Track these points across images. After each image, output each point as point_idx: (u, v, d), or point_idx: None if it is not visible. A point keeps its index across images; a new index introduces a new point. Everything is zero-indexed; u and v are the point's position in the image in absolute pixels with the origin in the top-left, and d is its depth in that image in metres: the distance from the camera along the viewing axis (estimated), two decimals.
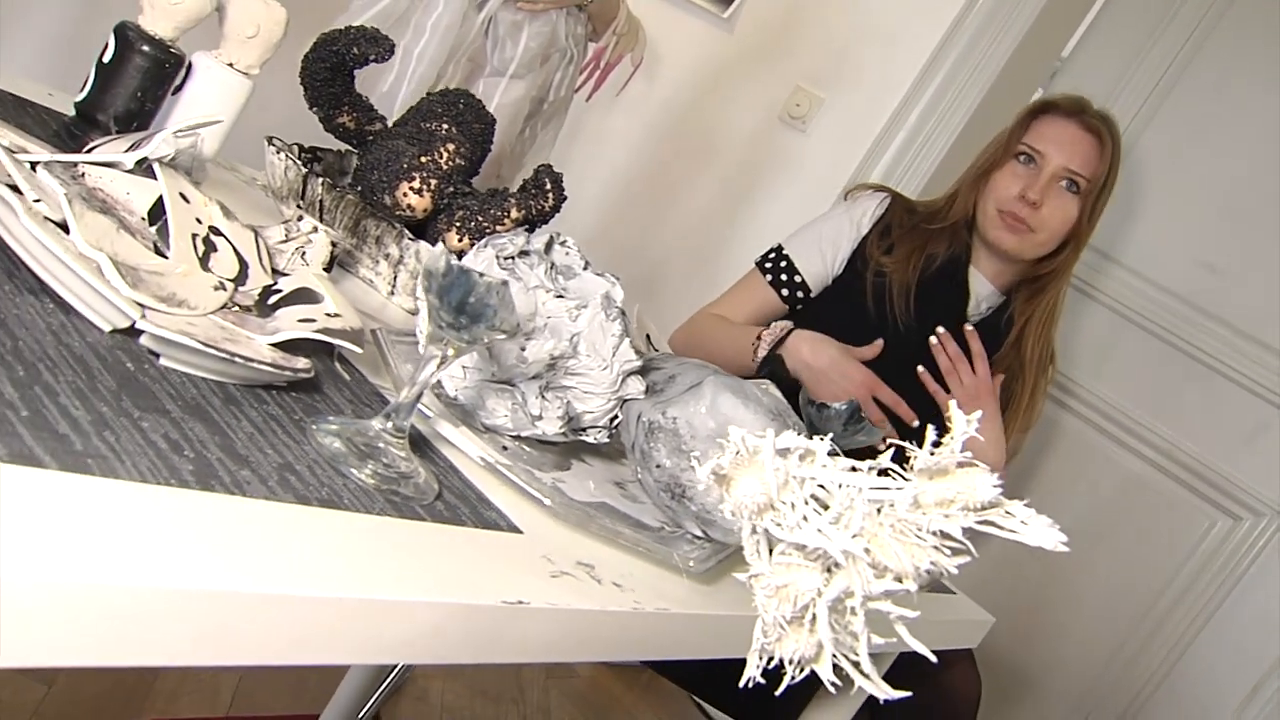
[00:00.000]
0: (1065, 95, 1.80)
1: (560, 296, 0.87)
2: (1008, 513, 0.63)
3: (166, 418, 0.62)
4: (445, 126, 1.26)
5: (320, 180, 1.07)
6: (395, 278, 1.10)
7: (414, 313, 1.08)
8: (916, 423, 1.62)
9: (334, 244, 1.00)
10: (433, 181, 0.99)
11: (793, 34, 2.75)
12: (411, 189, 0.99)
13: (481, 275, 0.67)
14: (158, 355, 0.69)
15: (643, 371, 0.92)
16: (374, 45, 1.11)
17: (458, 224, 1.02)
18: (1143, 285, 2.55)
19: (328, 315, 0.82)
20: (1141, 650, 2.45)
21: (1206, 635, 2.41)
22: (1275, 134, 2.44)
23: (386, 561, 0.62)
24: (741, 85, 2.79)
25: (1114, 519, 2.51)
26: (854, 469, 0.62)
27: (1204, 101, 2.53)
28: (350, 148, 1.24)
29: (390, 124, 1.30)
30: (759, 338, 1.69)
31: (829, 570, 0.61)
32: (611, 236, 2.91)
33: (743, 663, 0.98)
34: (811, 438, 1.13)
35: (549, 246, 0.92)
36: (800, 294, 1.83)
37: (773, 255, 1.86)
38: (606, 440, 0.93)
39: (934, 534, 0.60)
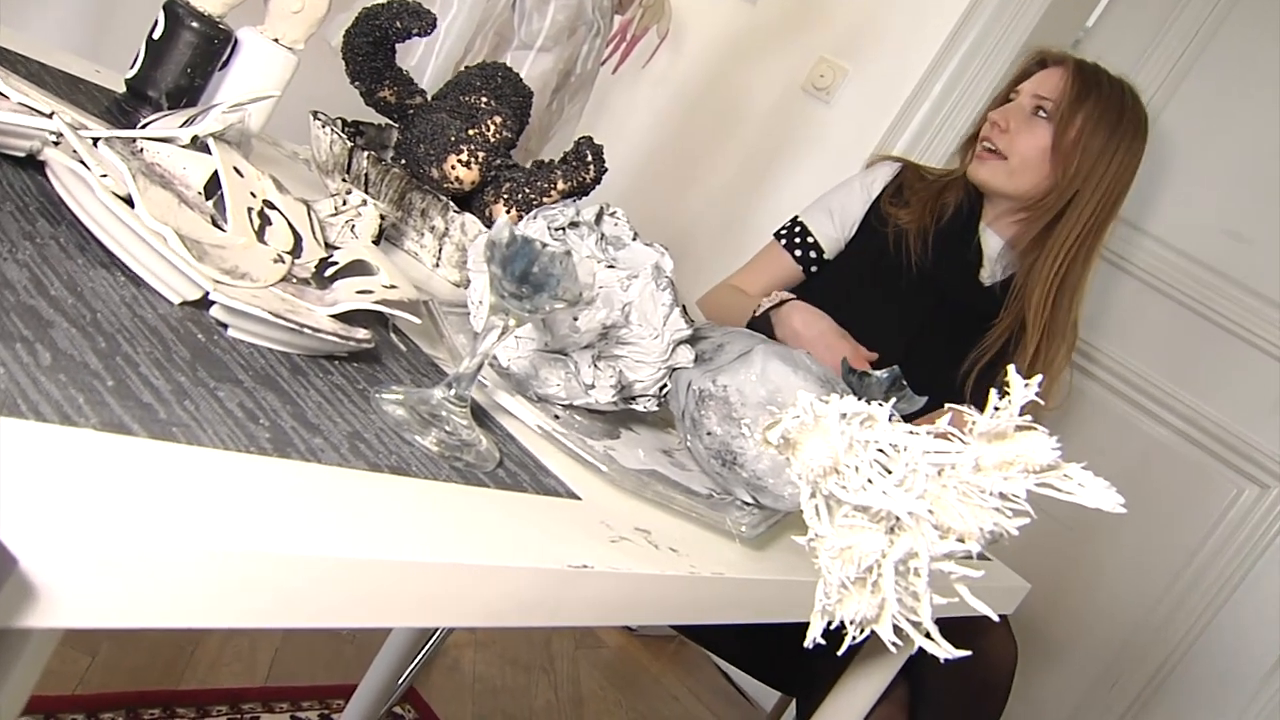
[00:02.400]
0: (1053, 49, 1.84)
1: (611, 267, 0.88)
2: (1066, 475, 0.64)
3: (240, 387, 0.64)
4: (485, 100, 1.27)
5: (366, 154, 1.08)
6: (440, 250, 1.11)
7: (459, 285, 1.10)
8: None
9: (383, 216, 1.01)
10: (480, 154, 1.00)
11: (816, 5, 2.74)
12: (460, 161, 1.00)
13: (545, 245, 0.68)
14: (225, 326, 0.70)
15: (691, 341, 0.93)
16: (416, 19, 1.12)
17: (505, 196, 1.03)
18: (1168, 254, 2.55)
19: (384, 287, 0.83)
20: (1169, 618, 2.46)
21: (1234, 603, 2.42)
22: None
23: (456, 527, 0.63)
24: (765, 57, 2.78)
25: (1140, 487, 2.52)
26: (912, 433, 0.63)
27: (1230, 69, 2.52)
28: (391, 122, 1.25)
29: (434, 95, 1.31)
30: (759, 305, 1.72)
31: (892, 532, 0.63)
32: (636, 208, 2.90)
33: (776, 630, 1.00)
34: None
35: (599, 217, 0.93)
36: (814, 255, 1.87)
37: (789, 225, 1.91)
38: (655, 409, 0.94)
39: (995, 495, 0.61)
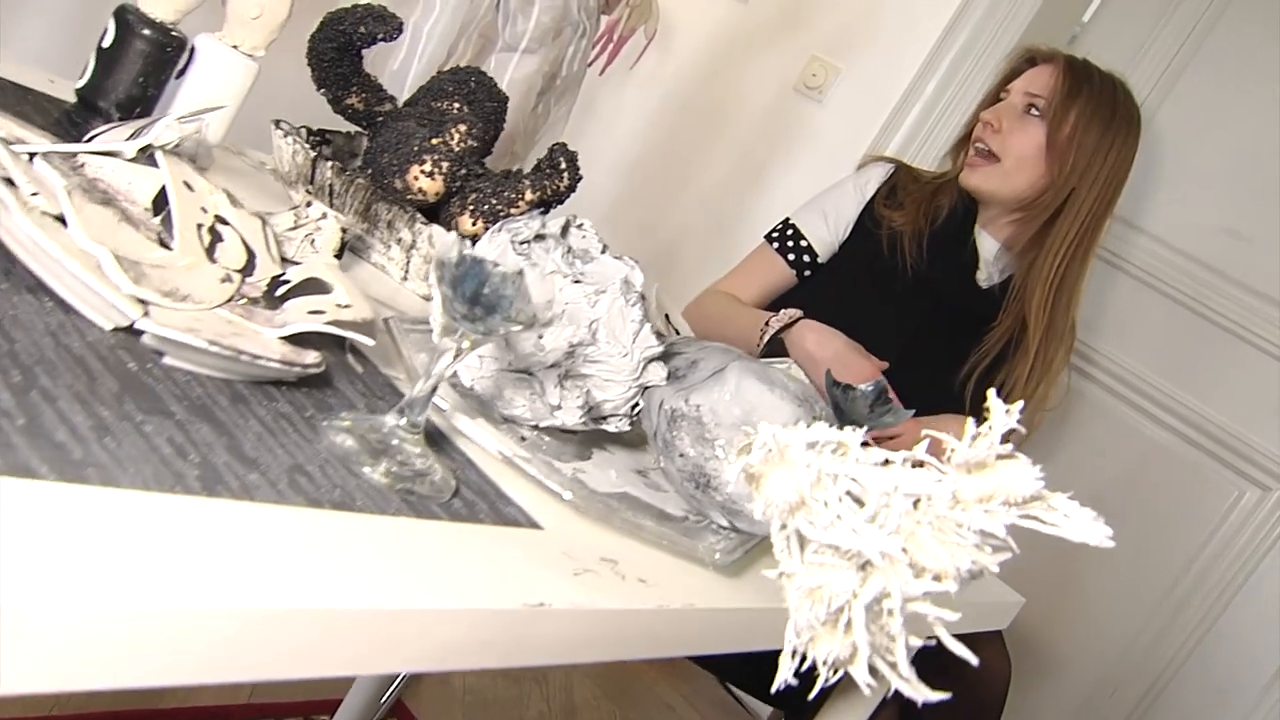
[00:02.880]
0: (1043, 46, 1.81)
1: (578, 282, 0.84)
2: (1050, 507, 0.60)
3: (171, 420, 0.60)
4: (457, 106, 1.23)
5: (329, 164, 1.05)
6: (408, 263, 1.07)
7: (428, 299, 1.06)
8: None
9: (344, 230, 0.97)
10: (444, 164, 0.96)
11: (808, 3, 2.71)
12: (423, 172, 0.96)
13: (496, 265, 0.64)
14: (162, 354, 0.66)
15: (664, 357, 0.90)
16: (382, 24, 1.08)
17: (471, 207, 0.99)
18: (1166, 252, 2.51)
19: (338, 306, 0.79)
20: (1168, 624, 2.42)
21: (1234, 608, 2.38)
22: None
23: (403, 567, 0.59)
24: (756, 56, 2.74)
25: (1138, 490, 2.48)
26: (888, 462, 0.59)
27: (1227, 65, 2.48)
28: (360, 129, 1.21)
29: (400, 104, 1.27)
30: (767, 323, 1.68)
31: (864, 569, 0.59)
32: (626, 211, 2.88)
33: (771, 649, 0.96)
34: (839, 422, 1.11)
35: (565, 230, 0.89)
36: (808, 259, 1.83)
37: (780, 227, 1.87)
38: (628, 428, 0.91)
39: (975, 531, 0.58)
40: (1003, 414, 0.58)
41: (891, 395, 1.08)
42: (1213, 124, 2.47)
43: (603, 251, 0.89)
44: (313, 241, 0.95)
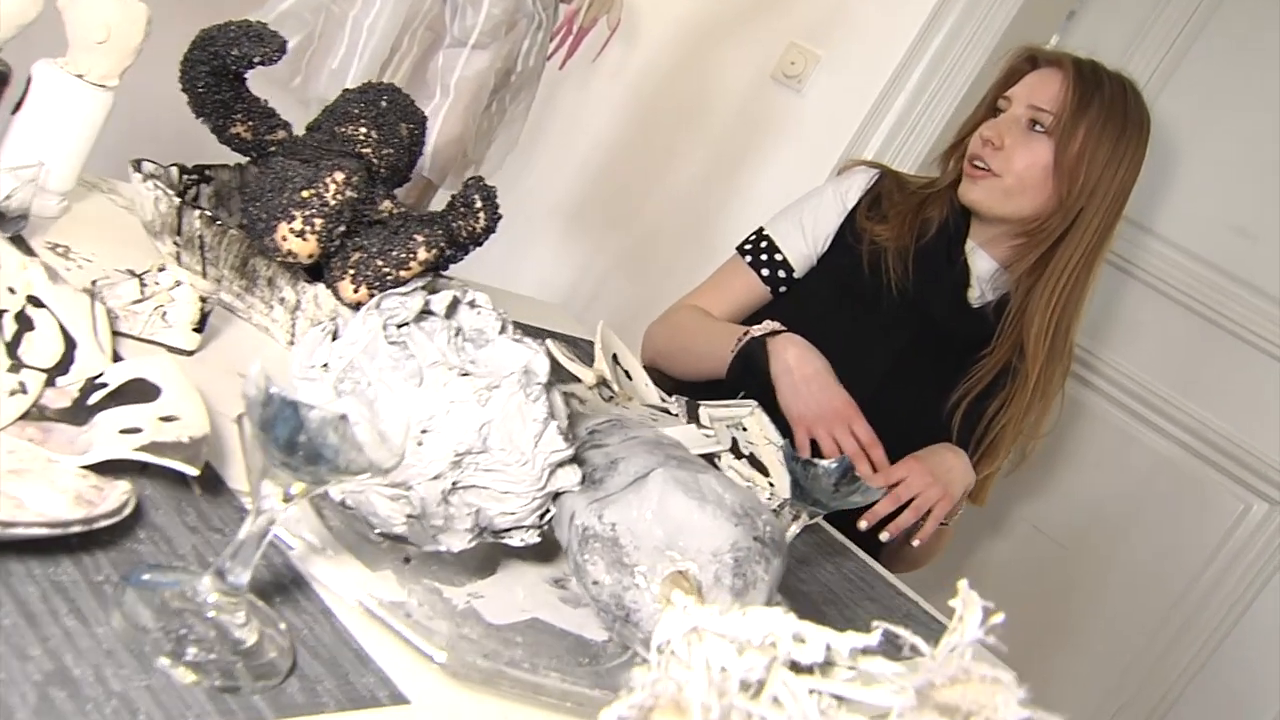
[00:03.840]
0: (1045, 48, 1.64)
1: (466, 374, 0.69)
2: None
3: None
4: (364, 130, 1.07)
5: (197, 212, 0.89)
6: (294, 325, 0.92)
7: None
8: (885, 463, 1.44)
9: (204, 299, 0.82)
10: (317, 222, 0.80)
11: None
12: (291, 231, 0.81)
13: (313, 408, 0.49)
14: None
15: (579, 458, 0.75)
16: (259, 44, 0.92)
17: (352, 270, 0.83)
18: (1169, 252, 2.35)
19: (161, 420, 0.64)
20: (1173, 643, 2.28)
21: (1242, 627, 2.24)
22: None
23: None
24: (731, 44, 2.58)
25: (1142, 504, 2.34)
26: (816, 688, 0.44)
27: (1228, 52, 2.31)
28: (253, 161, 1.06)
29: (308, 126, 1.12)
30: (747, 332, 1.52)
31: None
32: (596, 209, 2.73)
33: None
34: (799, 500, 0.96)
35: (453, 308, 0.73)
36: (783, 274, 1.67)
37: (753, 238, 1.71)
38: (537, 540, 0.76)
39: None
40: (975, 620, 0.43)
41: (859, 474, 0.93)
42: (1215, 116, 2.31)
43: (501, 331, 0.74)
44: (164, 315, 0.80)
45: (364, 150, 1.07)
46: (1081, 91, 1.52)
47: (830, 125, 2.45)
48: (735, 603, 0.69)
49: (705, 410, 1.23)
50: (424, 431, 0.68)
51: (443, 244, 0.84)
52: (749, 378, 1.48)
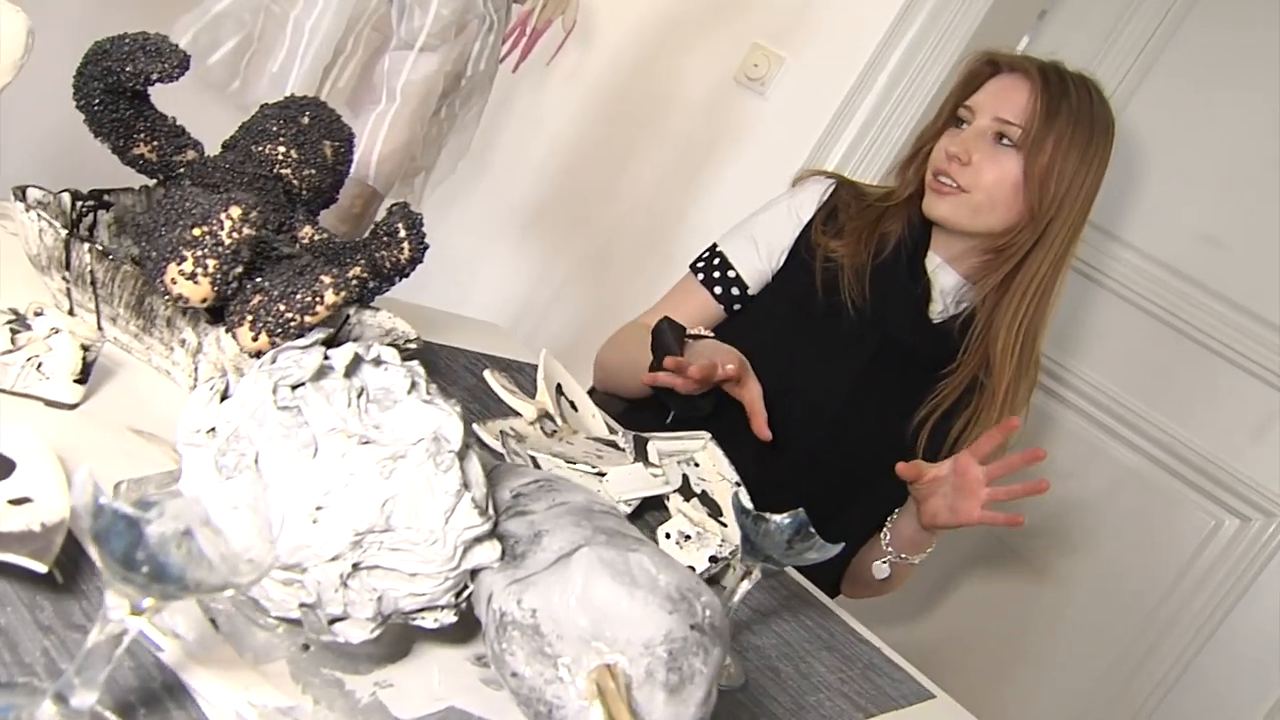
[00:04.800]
0: (1004, 51, 1.56)
1: (367, 443, 0.61)
2: None
3: None
4: (282, 150, 0.99)
5: (87, 246, 0.81)
6: (196, 369, 0.84)
7: None
8: (769, 436, 1.35)
9: (87, 346, 0.74)
10: (210, 263, 0.72)
11: None
12: (181, 273, 0.73)
13: (149, 522, 0.41)
14: None
15: (497, 528, 0.67)
16: (156, 60, 0.84)
17: (251, 316, 0.75)
18: (1138, 260, 2.30)
19: (9, 504, 0.56)
20: (1140, 666, 2.23)
21: (1212, 648, 2.19)
22: (1277, 94, 2.18)
23: None
24: (692, 45, 2.51)
25: (1109, 519, 2.28)
26: None
27: (1199, 59, 2.26)
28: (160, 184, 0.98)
29: (223, 145, 1.04)
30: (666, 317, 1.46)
31: None
32: (555, 215, 2.65)
33: None
34: (750, 557, 0.89)
35: (354, 366, 0.66)
36: (736, 291, 1.60)
37: (706, 254, 1.64)
38: (453, 620, 0.68)
39: None
40: None
41: (813, 531, 0.86)
42: (1186, 123, 2.25)
43: (410, 391, 0.66)
44: (39, 366, 0.72)
45: (283, 171, 0.99)
46: (1048, 101, 1.45)
47: (795, 129, 2.39)
48: (670, 699, 0.62)
49: (654, 445, 1.16)
50: (319, 509, 0.60)
51: (380, 259, 0.76)
52: (657, 351, 1.40)
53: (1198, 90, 2.27)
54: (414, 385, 0.66)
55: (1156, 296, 2.27)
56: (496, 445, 1.04)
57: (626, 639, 0.61)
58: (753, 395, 1.32)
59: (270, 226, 0.81)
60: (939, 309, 1.57)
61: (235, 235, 0.73)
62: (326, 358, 0.64)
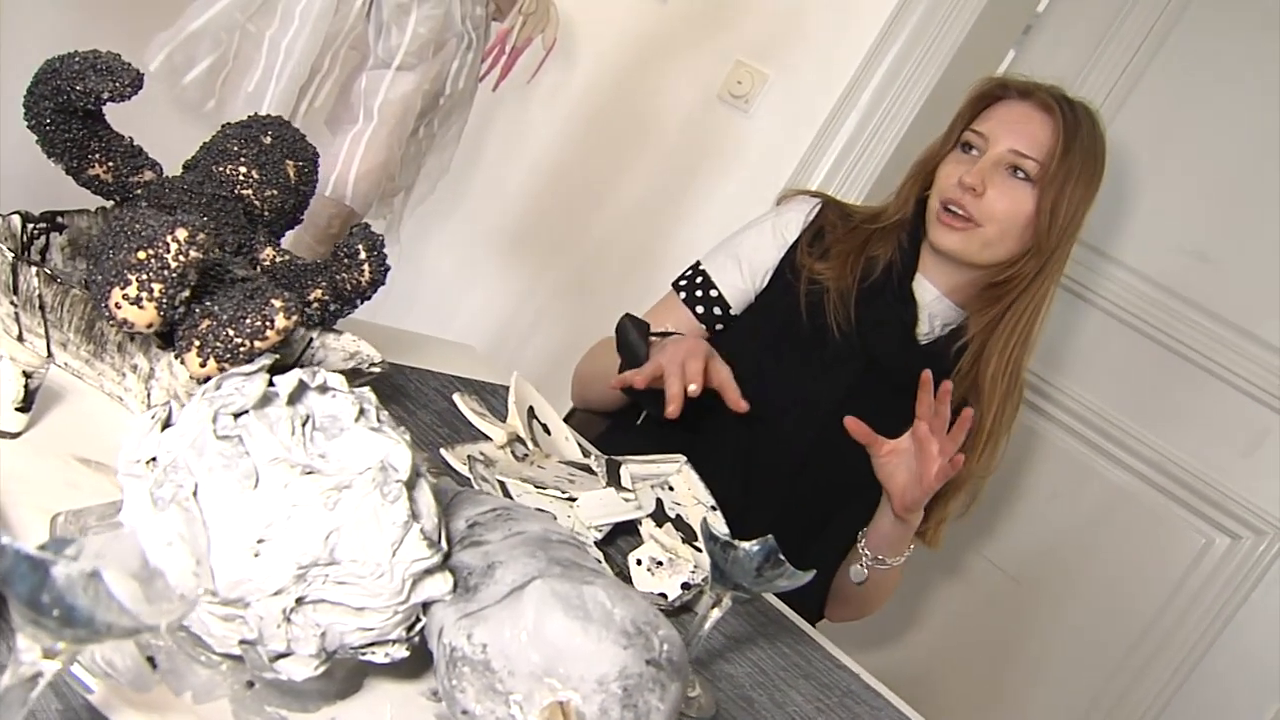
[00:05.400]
0: (1016, 77, 1.54)
1: (310, 473, 0.59)
2: None
3: None
4: (244, 171, 0.97)
5: (35, 269, 0.79)
6: (149, 394, 0.81)
7: None
8: (745, 407, 1.32)
9: (29, 373, 0.71)
10: (155, 287, 0.70)
11: (732, 3, 2.45)
12: (125, 298, 0.71)
13: (54, 562, 0.39)
14: None
15: (450, 558, 0.65)
16: (108, 79, 0.82)
17: (198, 341, 0.73)
18: (1127, 277, 2.28)
19: None
20: (1131, 687, 2.20)
21: (1205, 668, 2.16)
22: (1265, 106, 2.17)
23: None
24: (675, 62, 2.49)
25: (1099, 539, 2.26)
26: None
27: (1186, 72, 2.24)
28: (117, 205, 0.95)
29: (184, 165, 1.01)
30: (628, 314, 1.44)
31: None
32: (538, 236, 2.63)
33: None
34: (719, 584, 0.87)
35: (299, 393, 0.63)
36: (719, 311, 1.58)
37: (689, 273, 1.62)
38: (405, 654, 0.66)
39: None
40: None
41: (782, 558, 0.84)
42: (1173, 137, 2.24)
43: (358, 418, 0.64)
44: None
45: (244, 191, 0.97)
46: (1066, 136, 1.43)
47: (779, 146, 2.37)
48: None
49: (628, 469, 1.13)
50: (260, 541, 0.58)
51: (341, 281, 0.74)
52: (623, 350, 1.38)
53: (1184, 104, 2.25)
54: (362, 412, 0.64)
55: (1145, 313, 2.26)
56: (465, 471, 1.02)
57: (580, 675, 0.59)
58: (722, 376, 1.31)
59: (229, 248, 0.79)
60: (925, 330, 1.55)
61: (182, 258, 0.70)
62: (271, 384, 0.62)
